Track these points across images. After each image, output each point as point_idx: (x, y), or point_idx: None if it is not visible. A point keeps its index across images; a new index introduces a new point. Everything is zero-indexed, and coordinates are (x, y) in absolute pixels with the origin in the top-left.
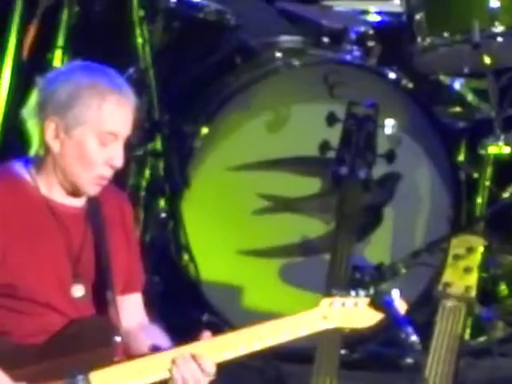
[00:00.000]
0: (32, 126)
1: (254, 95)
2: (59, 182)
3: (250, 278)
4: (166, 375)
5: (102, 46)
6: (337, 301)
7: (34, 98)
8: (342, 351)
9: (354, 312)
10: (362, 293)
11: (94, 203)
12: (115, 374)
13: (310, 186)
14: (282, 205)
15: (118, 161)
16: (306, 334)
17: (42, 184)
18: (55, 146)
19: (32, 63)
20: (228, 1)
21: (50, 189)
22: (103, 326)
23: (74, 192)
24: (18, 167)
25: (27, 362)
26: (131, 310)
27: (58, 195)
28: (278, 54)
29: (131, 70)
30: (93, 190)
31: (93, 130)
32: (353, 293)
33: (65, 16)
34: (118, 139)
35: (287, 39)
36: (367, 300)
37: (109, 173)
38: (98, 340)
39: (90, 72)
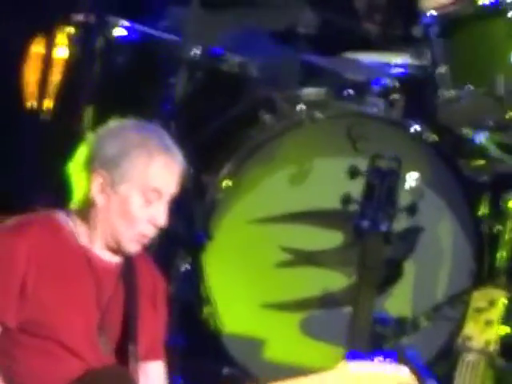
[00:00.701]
0: (77, 178)
1: (277, 148)
2: (101, 236)
3: (271, 331)
4: None
5: (125, 100)
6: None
7: (80, 152)
8: None
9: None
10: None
11: (130, 264)
12: None
13: (331, 239)
14: (303, 258)
15: (161, 220)
16: None
17: (82, 234)
18: (100, 200)
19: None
20: (252, 53)
21: (91, 240)
22: (120, 377)
23: (114, 248)
24: (61, 215)
25: None
26: (153, 378)
27: (97, 247)
28: (302, 107)
29: (153, 122)
30: (133, 247)
31: (138, 187)
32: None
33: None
34: (162, 198)
35: (310, 92)
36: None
37: (151, 231)
38: None
39: (140, 130)
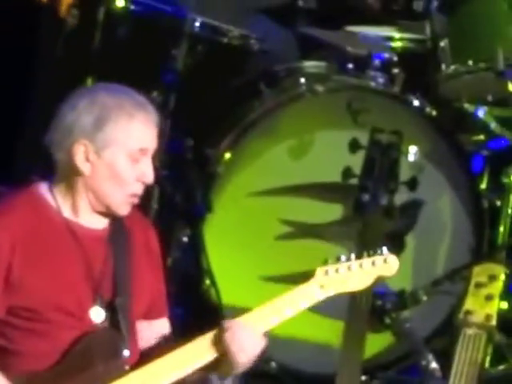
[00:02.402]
0: (56, 150)
1: (278, 121)
2: (88, 204)
3: None
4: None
5: (125, 70)
6: (330, 268)
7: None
8: (363, 377)
9: (349, 276)
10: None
11: (117, 227)
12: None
13: (332, 212)
14: (303, 231)
15: (149, 177)
16: (308, 306)
17: (65, 207)
18: (86, 168)
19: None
20: (250, 26)
21: (76, 212)
22: (111, 338)
23: (104, 212)
24: (42, 189)
25: None
26: (158, 335)
27: (82, 218)
28: (302, 80)
29: (154, 94)
30: (125, 209)
31: (123, 149)
32: (343, 258)
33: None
34: (147, 155)
35: (311, 65)
36: (359, 262)
37: (140, 190)
38: (107, 352)
39: (114, 93)
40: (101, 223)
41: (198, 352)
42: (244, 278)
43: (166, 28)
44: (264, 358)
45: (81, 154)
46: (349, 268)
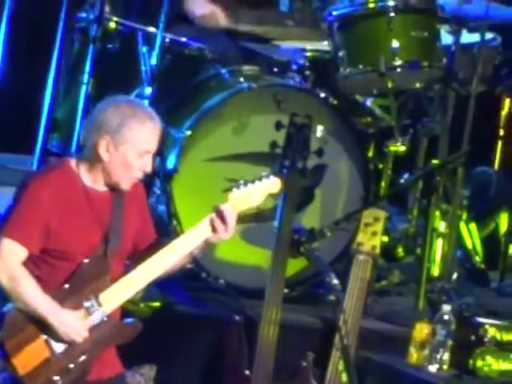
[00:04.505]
0: (87, 139)
1: (224, 108)
2: (103, 179)
3: None
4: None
5: (116, 74)
6: (235, 190)
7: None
8: (285, 290)
9: (248, 194)
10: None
11: (117, 191)
12: (117, 289)
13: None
14: None
15: (149, 168)
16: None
17: (86, 178)
18: (105, 156)
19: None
20: (207, 41)
21: (93, 182)
22: (99, 262)
23: (112, 186)
24: (72, 163)
25: (63, 300)
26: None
27: (97, 186)
28: (242, 79)
29: (138, 90)
30: (128, 186)
31: (134, 148)
32: (241, 181)
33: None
34: (150, 153)
35: (248, 68)
36: (254, 183)
37: (141, 176)
38: (97, 271)
39: (132, 105)
40: (107, 190)
41: (198, 232)
42: (201, 220)
43: (144, 42)
44: (214, 277)
45: (103, 146)
46: (246, 186)
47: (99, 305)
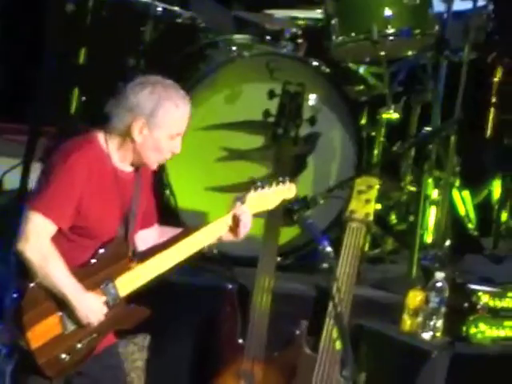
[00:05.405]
0: (116, 119)
1: (217, 77)
2: (132, 159)
3: (214, 207)
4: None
5: (108, 42)
6: (253, 192)
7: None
8: (278, 258)
9: (264, 199)
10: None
11: (138, 171)
12: (134, 275)
13: (256, 141)
14: (236, 154)
15: (178, 149)
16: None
17: (115, 156)
18: (139, 138)
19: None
20: (199, 10)
21: (122, 161)
22: (120, 245)
23: (138, 165)
24: (100, 140)
25: (83, 278)
26: (149, 241)
27: (123, 166)
28: (234, 48)
29: (131, 60)
30: (155, 166)
31: (167, 132)
32: (259, 183)
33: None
34: (180, 135)
35: (240, 37)
36: (271, 188)
37: (169, 156)
38: (117, 254)
39: (166, 87)
40: (132, 170)
41: (215, 229)
42: (194, 190)
43: (137, 12)
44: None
45: (137, 128)
46: (263, 190)
47: (115, 288)
